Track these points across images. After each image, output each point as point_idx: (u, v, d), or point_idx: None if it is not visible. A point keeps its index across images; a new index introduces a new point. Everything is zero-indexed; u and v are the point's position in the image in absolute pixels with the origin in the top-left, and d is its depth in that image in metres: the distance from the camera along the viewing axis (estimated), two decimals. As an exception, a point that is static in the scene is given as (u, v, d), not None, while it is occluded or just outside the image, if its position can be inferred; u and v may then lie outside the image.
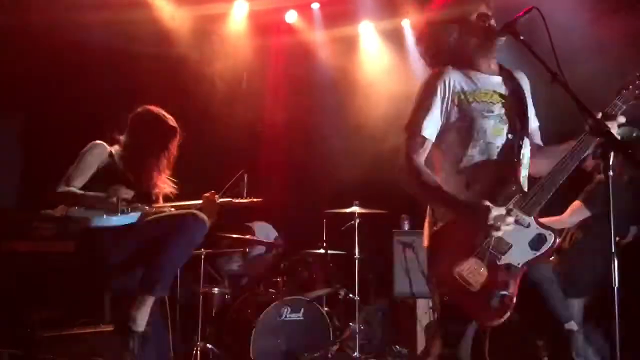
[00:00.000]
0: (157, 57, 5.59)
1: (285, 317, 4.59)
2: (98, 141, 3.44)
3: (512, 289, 2.08)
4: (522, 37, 2.13)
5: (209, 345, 4.85)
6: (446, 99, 2.28)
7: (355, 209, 5.24)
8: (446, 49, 2.36)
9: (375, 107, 6.11)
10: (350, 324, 5.19)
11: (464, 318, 2.19)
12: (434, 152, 2.36)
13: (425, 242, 2.34)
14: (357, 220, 5.26)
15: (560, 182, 2.14)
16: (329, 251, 5.21)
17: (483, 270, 2.10)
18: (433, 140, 2.31)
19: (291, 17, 6.44)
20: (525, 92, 2.40)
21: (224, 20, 6.22)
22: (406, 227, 5.69)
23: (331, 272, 5.20)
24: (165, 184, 3.54)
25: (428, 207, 2.39)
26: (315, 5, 6.34)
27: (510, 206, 2.13)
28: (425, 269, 2.39)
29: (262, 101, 6.11)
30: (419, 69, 5.82)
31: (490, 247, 2.11)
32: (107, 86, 5.19)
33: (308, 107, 6.35)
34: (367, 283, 5.33)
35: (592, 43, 4.56)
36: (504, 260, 2.11)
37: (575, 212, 3.76)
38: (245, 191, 4.67)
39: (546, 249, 2.12)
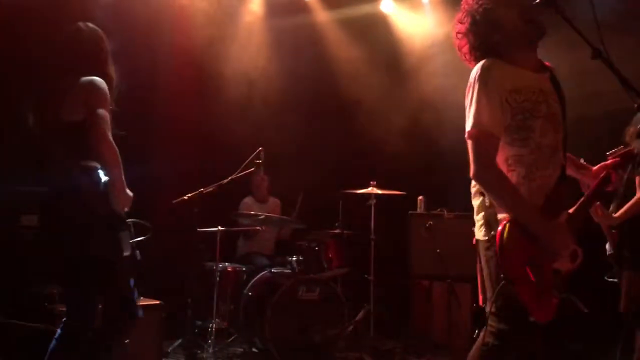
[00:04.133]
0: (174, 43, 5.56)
1: (301, 296, 4.58)
2: None
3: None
4: (561, 11, 2.05)
5: (224, 323, 4.87)
6: (499, 94, 2.17)
7: (372, 189, 5.20)
8: (491, 42, 2.25)
9: (398, 87, 6.03)
10: (365, 304, 5.18)
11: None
12: None
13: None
14: (374, 201, 5.22)
15: None
16: (345, 231, 5.18)
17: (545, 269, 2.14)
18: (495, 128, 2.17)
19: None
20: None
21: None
22: (423, 208, 5.65)
23: (347, 253, 5.17)
24: None
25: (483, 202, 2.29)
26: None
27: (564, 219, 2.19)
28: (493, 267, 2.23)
29: (282, 82, 6.05)
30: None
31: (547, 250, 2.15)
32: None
33: (328, 87, 6.29)
34: (382, 264, 5.30)
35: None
36: (554, 265, 2.16)
37: None
38: (262, 168, 4.66)
39: (578, 263, 2.20)
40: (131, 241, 2.79)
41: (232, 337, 4.97)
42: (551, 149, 2.23)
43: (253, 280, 4.88)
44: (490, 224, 2.21)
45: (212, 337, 4.60)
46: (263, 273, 4.92)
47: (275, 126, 5.88)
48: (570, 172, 2.48)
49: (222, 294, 4.85)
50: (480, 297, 2.81)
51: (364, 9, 6.34)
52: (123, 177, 2.72)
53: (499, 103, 2.16)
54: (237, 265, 5.17)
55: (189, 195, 4.35)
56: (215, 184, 4.40)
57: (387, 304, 5.48)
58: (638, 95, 1.79)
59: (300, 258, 4.88)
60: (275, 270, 4.91)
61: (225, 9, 5.93)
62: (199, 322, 4.92)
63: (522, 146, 2.19)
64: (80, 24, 2.90)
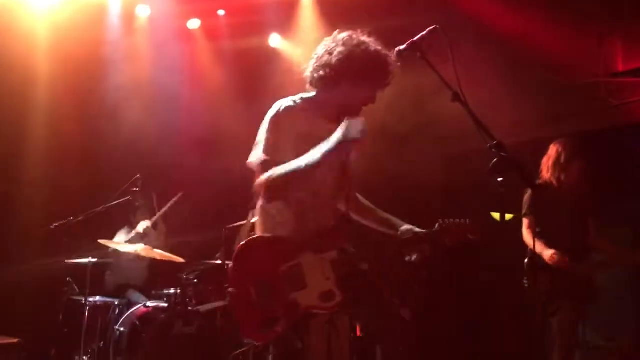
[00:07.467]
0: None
1: (177, 331, 4.40)
2: None
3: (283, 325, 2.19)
4: (425, 56, 2.18)
5: (93, 362, 4.57)
6: (288, 135, 2.33)
7: (255, 220, 5.14)
8: (333, 92, 2.39)
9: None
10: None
11: None
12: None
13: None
14: (255, 233, 5.15)
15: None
16: (226, 263, 5.07)
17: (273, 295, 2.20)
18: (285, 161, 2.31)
19: (194, 24, 6.26)
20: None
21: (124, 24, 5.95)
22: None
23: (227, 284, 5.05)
24: None
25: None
26: (222, 13, 6.20)
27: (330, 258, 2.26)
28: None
29: (161, 112, 5.91)
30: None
31: (288, 277, 2.21)
32: None
33: (207, 118, 6.21)
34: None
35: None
36: (292, 296, 2.21)
37: None
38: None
39: (330, 305, 2.26)
40: None
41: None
42: (331, 194, 2.39)
43: (125, 315, 4.62)
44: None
45: (78, 378, 4.29)
46: (137, 307, 4.68)
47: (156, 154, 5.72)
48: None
49: (91, 330, 4.53)
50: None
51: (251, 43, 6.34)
52: None
53: (287, 141, 2.32)
54: (108, 299, 4.86)
55: (56, 224, 4.08)
56: (86, 213, 4.17)
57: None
58: (491, 138, 1.94)
59: (178, 291, 4.70)
60: (150, 304, 4.69)
61: (107, 32, 5.73)
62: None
63: (302, 189, 2.32)
64: None
